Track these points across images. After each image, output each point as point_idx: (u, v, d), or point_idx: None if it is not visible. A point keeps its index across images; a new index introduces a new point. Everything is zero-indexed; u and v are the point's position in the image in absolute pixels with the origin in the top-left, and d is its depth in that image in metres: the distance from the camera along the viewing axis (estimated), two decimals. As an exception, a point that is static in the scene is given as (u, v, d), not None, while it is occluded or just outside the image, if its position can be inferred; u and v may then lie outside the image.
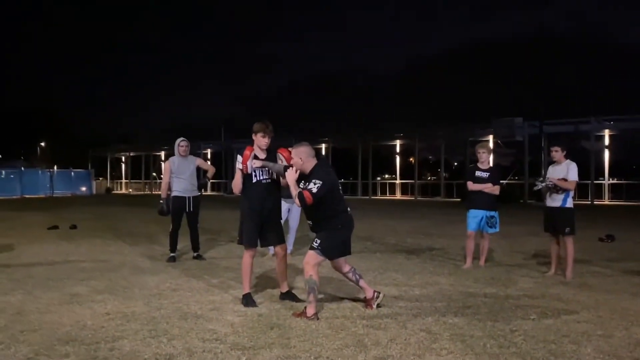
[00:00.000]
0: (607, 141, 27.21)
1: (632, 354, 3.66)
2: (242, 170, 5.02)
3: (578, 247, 7.04)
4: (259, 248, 5.40)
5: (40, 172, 39.07)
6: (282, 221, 7.32)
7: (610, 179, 27.81)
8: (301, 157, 4.65)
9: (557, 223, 6.38)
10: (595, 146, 26.19)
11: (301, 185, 4.64)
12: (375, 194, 33.41)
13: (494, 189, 6.96)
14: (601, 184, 26.92)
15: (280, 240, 5.21)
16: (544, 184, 6.37)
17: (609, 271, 6.81)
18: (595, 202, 24.75)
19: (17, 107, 59.92)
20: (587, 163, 25.04)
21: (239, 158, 5.06)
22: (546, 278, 6.31)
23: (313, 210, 4.62)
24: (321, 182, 4.48)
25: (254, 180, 5.03)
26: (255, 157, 5.02)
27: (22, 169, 38.65)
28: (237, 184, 5.10)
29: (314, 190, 4.46)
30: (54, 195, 35.10)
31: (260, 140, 5.05)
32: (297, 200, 4.51)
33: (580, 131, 26.66)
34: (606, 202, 25.97)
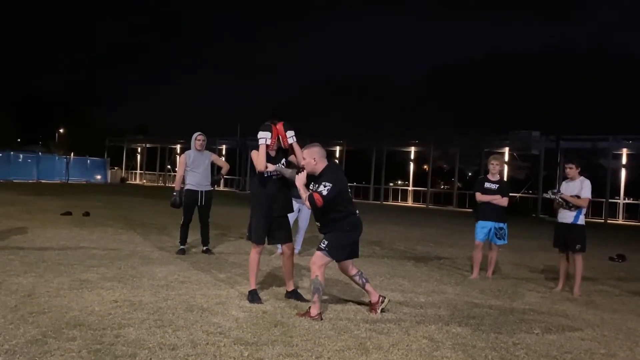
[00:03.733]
0: (624, 160, 26.92)
1: (634, 374, 3.65)
2: (268, 145, 4.89)
3: (588, 264, 7.00)
4: (267, 246, 5.44)
5: (57, 158, 39.60)
6: (292, 220, 7.39)
7: (626, 199, 27.50)
8: (315, 157, 4.68)
9: (568, 239, 6.35)
10: (612, 164, 25.92)
11: (310, 186, 4.66)
12: (386, 199, 33.36)
13: (502, 201, 6.96)
14: (616, 202, 26.63)
15: (288, 238, 5.23)
16: (554, 196, 6.34)
17: (617, 291, 6.76)
18: (608, 221, 24.49)
19: (37, 93, 60.80)
20: (603, 181, 24.81)
21: (266, 134, 4.89)
22: (553, 294, 6.29)
23: (322, 212, 4.64)
24: (331, 185, 4.51)
25: (265, 175, 5.03)
26: (269, 158, 5.01)
27: (40, 154, 39.18)
28: (262, 160, 4.89)
29: (324, 192, 4.48)
30: (69, 182, 35.53)
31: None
32: (307, 203, 4.53)
33: (598, 148, 26.41)
34: (620, 221, 25.69)
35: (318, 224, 4.81)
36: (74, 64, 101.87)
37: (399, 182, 43.93)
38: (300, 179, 4.65)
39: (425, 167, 36.99)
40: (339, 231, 4.68)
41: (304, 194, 4.58)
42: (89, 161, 41.50)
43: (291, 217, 6.78)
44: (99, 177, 40.82)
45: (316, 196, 4.48)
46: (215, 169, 8.02)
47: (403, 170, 39.01)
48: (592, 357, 3.96)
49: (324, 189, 4.49)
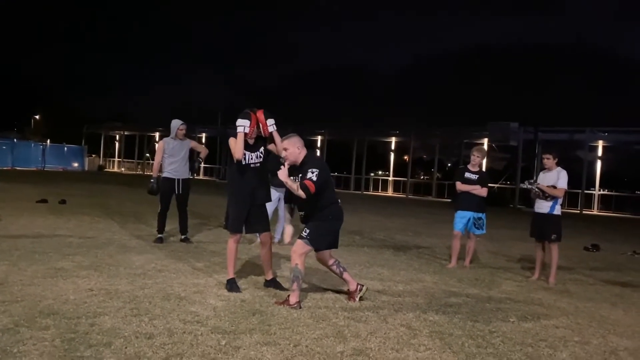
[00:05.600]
0: (600, 152, 27.39)
1: (606, 361, 3.72)
2: (247, 134, 4.85)
3: (563, 254, 7.12)
4: (247, 235, 5.40)
5: (32, 144, 38.90)
6: (272, 209, 7.36)
7: (601, 190, 28.01)
8: (298, 146, 4.65)
9: (544, 229, 6.43)
10: (589, 156, 26.37)
11: (292, 177, 4.63)
12: (367, 189, 33.47)
13: (482, 191, 7.01)
14: (591, 194, 27.11)
15: (266, 228, 5.20)
16: (531, 187, 6.42)
17: (591, 280, 6.88)
18: (584, 212, 24.93)
19: (12, 78, 59.45)
20: (579, 172, 25.22)
21: (245, 122, 4.84)
22: (529, 282, 6.37)
23: (311, 200, 4.59)
24: (318, 170, 4.49)
25: (243, 163, 4.98)
26: (247, 145, 4.96)
27: (15, 140, 38.42)
28: (240, 148, 4.85)
29: (314, 178, 4.45)
30: (45, 169, 34.91)
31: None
32: (300, 192, 4.47)
33: (575, 140, 26.82)
34: (595, 212, 26.16)
35: (301, 213, 4.79)
36: (53, 50, 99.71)
37: (380, 172, 44.10)
38: (283, 174, 4.60)
39: (405, 157, 37.17)
40: (321, 220, 4.66)
41: (292, 185, 4.54)
42: (65, 148, 40.86)
43: (270, 206, 6.75)
44: (76, 164, 40.23)
45: (308, 183, 4.44)
46: (194, 155, 7.93)
47: (384, 160, 39.17)
48: (566, 344, 4.02)
49: (313, 175, 4.46)
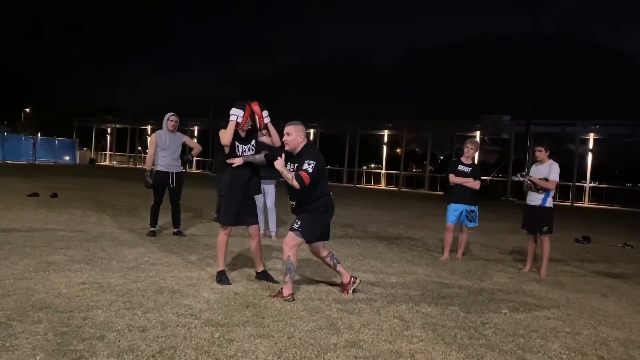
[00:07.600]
0: (591, 144, 27.55)
1: (597, 351, 3.76)
2: (239, 124, 4.85)
3: (554, 246, 7.17)
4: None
5: (23, 138, 38.60)
6: (260, 203, 7.33)
7: (592, 182, 28.22)
8: (301, 134, 4.65)
9: (536, 221, 6.47)
10: (580, 149, 26.54)
11: (288, 166, 4.61)
12: (360, 182, 33.51)
13: (475, 184, 7.04)
14: (582, 186, 27.30)
15: (254, 220, 5.19)
16: (523, 179, 6.46)
17: (582, 271, 6.94)
18: (575, 204, 25.10)
19: (2, 71, 58.86)
20: (571, 165, 25.39)
21: (239, 112, 4.85)
22: (521, 274, 6.42)
23: (302, 192, 4.58)
24: (314, 162, 4.48)
25: (237, 154, 4.96)
26: (239, 138, 4.96)
27: (5, 134, 38.13)
28: (228, 135, 4.84)
29: (310, 170, 4.45)
30: (36, 163, 34.67)
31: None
32: (294, 182, 4.46)
33: (566, 133, 26.97)
34: (586, 204, 26.35)
35: (293, 203, 4.77)
36: (44, 43, 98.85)
37: (372, 165, 44.16)
38: (280, 163, 4.59)
39: (398, 150, 37.23)
40: (313, 212, 4.65)
41: (288, 174, 4.53)
42: (57, 142, 40.57)
43: (259, 199, 6.74)
44: (67, 158, 39.98)
45: (303, 174, 4.43)
46: (186, 149, 7.90)
47: (376, 153, 39.22)
48: (557, 335, 4.06)
49: (309, 166, 4.45)
